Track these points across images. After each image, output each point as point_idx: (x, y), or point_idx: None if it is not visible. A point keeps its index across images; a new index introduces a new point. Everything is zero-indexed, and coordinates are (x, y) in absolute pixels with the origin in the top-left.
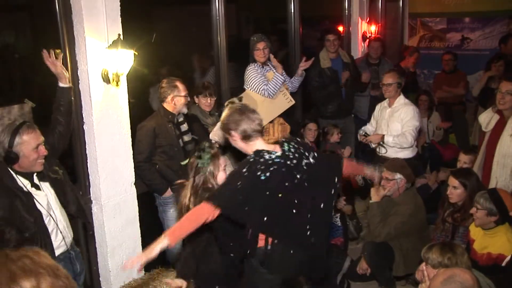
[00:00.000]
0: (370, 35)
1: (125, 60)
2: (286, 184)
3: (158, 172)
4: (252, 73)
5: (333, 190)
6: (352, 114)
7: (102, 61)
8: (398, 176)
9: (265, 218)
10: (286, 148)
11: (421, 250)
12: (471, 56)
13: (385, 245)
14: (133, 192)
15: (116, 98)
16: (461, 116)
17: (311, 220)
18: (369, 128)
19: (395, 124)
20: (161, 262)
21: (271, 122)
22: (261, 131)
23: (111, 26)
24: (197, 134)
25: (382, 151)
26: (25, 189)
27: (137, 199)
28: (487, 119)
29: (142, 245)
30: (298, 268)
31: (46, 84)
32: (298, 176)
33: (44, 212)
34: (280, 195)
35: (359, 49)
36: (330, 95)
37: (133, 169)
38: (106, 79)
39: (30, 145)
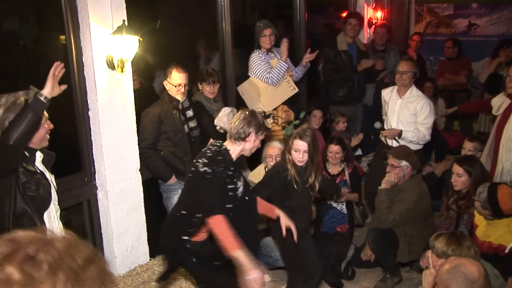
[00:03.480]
0: (376, 21)
1: (130, 46)
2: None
3: (162, 159)
4: (256, 60)
5: None
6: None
7: (107, 47)
8: (404, 163)
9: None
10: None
11: (426, 237)
12: (478, 42)
13: (390, 231)
14: (138, 178)
15: (121, 84)
16: (465, 103)
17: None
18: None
19: (408, 117)
20: None
21: (275, 109)
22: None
23: (116, 12)
24: (204, 125)
25: (393, 144)
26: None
27: (142, 185)
28: (498, 103)
29: (147, 231)
30: None
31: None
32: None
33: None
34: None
35: (365, 35)
36: (343, 79)
37: (138, 156)
38: (111, 65)
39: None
